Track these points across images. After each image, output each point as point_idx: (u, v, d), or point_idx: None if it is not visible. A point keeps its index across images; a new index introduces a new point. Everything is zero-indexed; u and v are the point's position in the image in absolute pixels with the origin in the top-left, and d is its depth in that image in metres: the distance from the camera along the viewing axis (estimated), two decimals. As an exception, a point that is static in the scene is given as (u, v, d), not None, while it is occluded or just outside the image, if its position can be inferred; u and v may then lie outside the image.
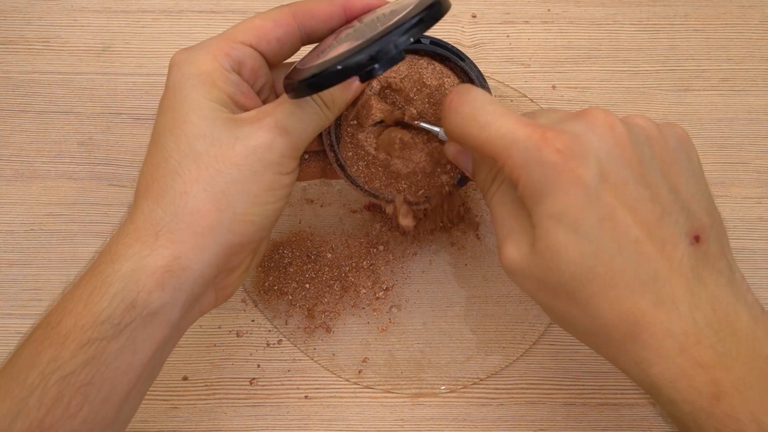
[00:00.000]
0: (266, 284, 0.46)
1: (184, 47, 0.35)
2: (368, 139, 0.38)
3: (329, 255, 0.47)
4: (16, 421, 0.29)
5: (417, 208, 0.40)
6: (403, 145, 0.38)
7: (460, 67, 0.38)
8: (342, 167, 0.39)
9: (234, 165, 0.32)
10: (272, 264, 0.47)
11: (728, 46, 0.53)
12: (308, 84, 0.30)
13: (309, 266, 0.47)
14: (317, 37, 0.36)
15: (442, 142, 0.37)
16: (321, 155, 0.40)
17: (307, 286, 0.46)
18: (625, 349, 0.29)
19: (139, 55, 0.52)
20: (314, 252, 0.47)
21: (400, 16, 0.30)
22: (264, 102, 0.36)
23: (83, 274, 0.32)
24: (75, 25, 0.53)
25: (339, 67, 0.29)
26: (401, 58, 0.30)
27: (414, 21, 0.29)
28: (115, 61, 0.52)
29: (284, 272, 0.47)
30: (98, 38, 0.53)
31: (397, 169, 0.39)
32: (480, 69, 0.39)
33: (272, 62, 0.36)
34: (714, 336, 0.27)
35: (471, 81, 0.38)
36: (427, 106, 0.38)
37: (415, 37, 0.30)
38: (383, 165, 0.39)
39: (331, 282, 0.46)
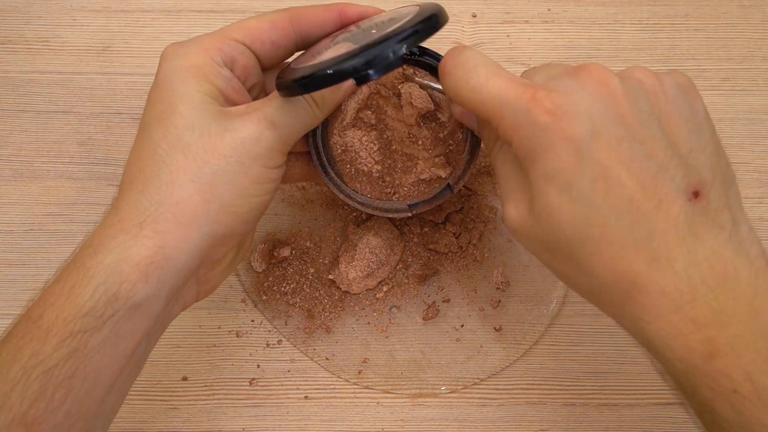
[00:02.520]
0: (266, 284, 0.46)
1: (176, 41, 0.35)
2: (355, 138, 0.38)
3: (329, 255, 0.47)
4: None
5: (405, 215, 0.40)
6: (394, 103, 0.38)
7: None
8: (324, 168, 0.39)
9: (222, 156, 0.32)
10: (272, 264, 0.47)
11: (729, 45, 0.53)
12: (301, 84, 0.30)
13: (309, 266, 0.47)
14: (312, 42, 0.36)
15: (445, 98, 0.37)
16: (307, 156, 0.40)
17: (307, 286, 0.46)
18: (623, 308, 0.28)
19: (138, 54, 0.52)
20: (314, 252, 0.47)
21: (399, 24, 0.30)
22: (254, 100, 0.36)
23: (64, 267, 0.31)
24: (74, 24, 0.53)
25: (333, 69, 0.29)
26: (398, 65, 0.30)
27: (411, 30, 0.29)
28: (115, 61, 0.52)
29: (284, 273, 0.47)
30: (98, 38, 0.53)
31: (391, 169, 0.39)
32: None
33: (265, 64, 0.36)
34: (710, 293, 0.27)
35: None
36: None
37: (413, 46, 0.30)
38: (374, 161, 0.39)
39: (331, 282, 0.46)
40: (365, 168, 0.39)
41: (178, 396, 0.45)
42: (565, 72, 0.30)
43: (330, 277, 0.46)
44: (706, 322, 0.26)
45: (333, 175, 0.39)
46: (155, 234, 0.31)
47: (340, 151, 0.39)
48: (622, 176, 0.27)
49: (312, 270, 0.47)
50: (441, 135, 0.40)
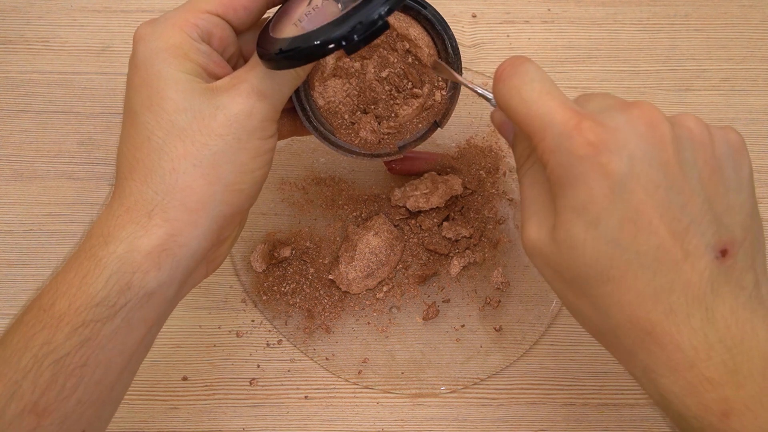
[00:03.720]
0: (266, 285, 0.46)
1: (146, 20, 0.34)
2: (336, 88, 0.39)
3: (329, 255, 0.47)
4: (10, 404, 0.28)
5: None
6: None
7: (423, 15, 0.38)
8: (310, 121, 0.38)
9: (218, 136, 0.32)
10: (272, 264, 0.47)
11: (729, 45, 0.53)
12: (287, 56, 0.30)
13: (309, 267, 0.47)
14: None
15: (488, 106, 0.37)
16: (291, 112, 0.39)
17: (307, 286, 0.46)
18: (635, 355, 0.28)
19: (138, 54, 0.52)
20: (314, 252, 0.47)
21: None
22: (234, 68, 0.35)
23: (73, 257, 0.31)
24: (74, 24, 0.53)
25: (320, 40, 0.29)
26: (386, 28, 0.29)
27: None
28: (115, 61, 0.52)
29: (284, 273, 0.47)
30: (98, 38, 0.53)
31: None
32: (446, 20, 0.38)
33: (240, 29, 0.35)
34: (726, 352, 0.27)
35: (433, 28, 0.38)
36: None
37: (398, 6, 0.29)
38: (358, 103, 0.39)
39: (331, 282, 0.46)
40: (349, 114, 0.39)
41: (178, 396, 0.45)
42: (617, 106, 0.29)
43: (330, 277, 0.46)
44: (721, 381, 0.26)
45: (318, 125, 0.39)
46: (165, 222, 0.31)
47: (323, 102, 0.39)
48: (654, 222, 0.27)
49: (312, 270, 0.47)
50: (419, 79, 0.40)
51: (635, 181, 0.27)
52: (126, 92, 0.33)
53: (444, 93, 0.39)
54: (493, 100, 0.35)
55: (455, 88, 0.39)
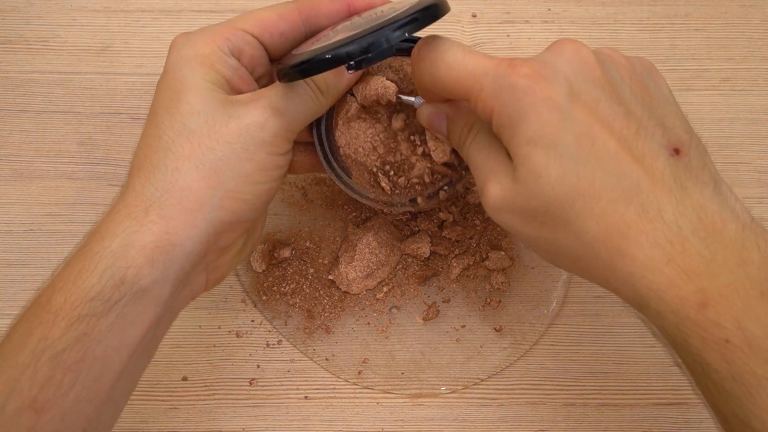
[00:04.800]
0: (266, 285, 0.46)
1: (185, 32, 0.35)
2: (360, 130, 0.38)
3: (329, 255, 0.47)
4: (8, 400, 0.29)
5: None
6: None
7: None
8: (327, 159, 0.39)
9: (226, 143, 0.32)
10: (272, 264, 0.47)
11: (729, 45, 0.53)
12: (298, 69, 0.31)
13: (309, 267, 0.47)
14: (320, 28, 0.36)
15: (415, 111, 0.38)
16: (313, 147, 0.39)
17: (307, 287, 0.46)
18: (614, 266, 0.28)
19: (138, 54, 0.52)
20: (314, 252, 0.47)
21: (397, 12, 0.31)
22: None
23: (73, 254, 0.31)
24: (74, 24, 0.53)
25: (329, 55, 0.30)
26: (391, 53, 0.30)
27: (409, 18, 0.30)
28: (115, 61, 0.52)
29: (284, 273, 0.46)
30: (97, 38, 0.52)
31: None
32: None
33: (274, 54, 0.36)
34: (700, 243, 0.27)
35: None
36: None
37: (409, 34, 0.30)
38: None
39: (331, 283, 0.46)
40: (368, 161, 0.39)
41: (178, 396, 0.45)
42: (544, 50, 0.31)
43: (330, 277, 0.46)
44: (698, 271, 0.27)
45: (336, 166, 0.39)
46: (161, 219, 0.31)
47: (344, 142, 0.39)
48: (605, 132, 0.28)
49: (312, 270, 0.47)
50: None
51: (577, 98, 0.28)
52: (153, 95, 0.34)
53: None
54: (416, 101, 0.36)
55: None
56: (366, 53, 0.30)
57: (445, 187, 0.39)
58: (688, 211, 0.27)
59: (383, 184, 0.39)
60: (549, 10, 0.53)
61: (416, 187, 0.39)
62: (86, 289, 0.30)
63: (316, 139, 0.38)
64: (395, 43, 0.30)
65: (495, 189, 0.31)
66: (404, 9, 0.31)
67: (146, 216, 0.31)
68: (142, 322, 0.31)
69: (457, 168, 0.39)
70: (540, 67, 0.29)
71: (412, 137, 0.38)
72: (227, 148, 0.32)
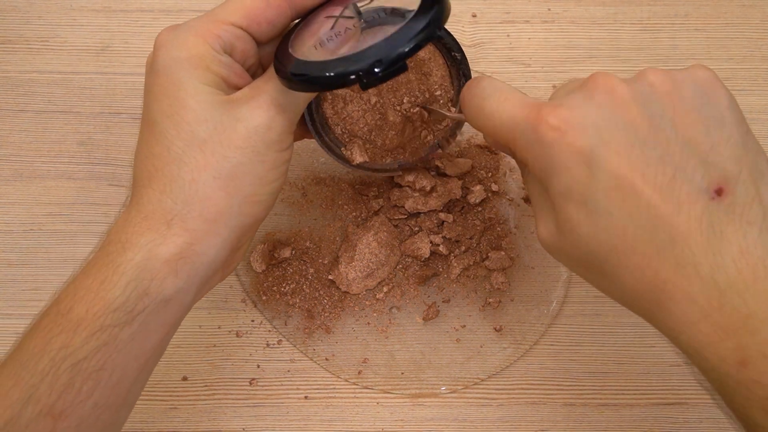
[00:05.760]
0: (266, 285, 0.46)
1: (169, 26, 0.34)
2: (347, 100, 0.39)
3: (329, 255, 0.47)
4: (27, 406, 0.29)
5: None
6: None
7: (442, 43, 0.39)
8: (317, 131, 0.39)
9: (238, 148, 0.32)
10: (272, 264, 0.47)
11: (729, 45, 0.53)
12: (302, 81, 0.30)
13: (308, 267, 0.47)
14: (307, 11, 0.35)
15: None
16: (302, 116, 0.40)
17: (307, 286, 0.46)
18: (655, 317, 0.28)
19: (138, 54, 0.52)
20: (314, 252, 0.47)
21: (401, 25, 0.29)
22: (253, 77, 0.35)
23: (91, 263, 0.31)
24: (74, 24, 0.53)
25: (335, 73, 0.29)
26: (405, 70, 0.29)
27: (415, 43, 0.29)
28: (115, 61, 0.52)
29: (284, 273, 0.46)
30: (97, 38, 0.52)
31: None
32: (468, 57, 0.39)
33: (261, 41, 0.35)
34: (738, 297, 0.26)
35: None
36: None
37: (419, 48, 0.29)
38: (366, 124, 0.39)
39: (331, 283, 0.46)
40: (356, 129, 0.39)
41: (178, 396, 0.45)
42: (574, 86, 0.29)
43: (330, 277, 0.46)
44: (735, 329, 0.26)
45: (325, 137, 0.39)
46: (184, 232, 0.31)
47: (332, 113, 0.39)
48: (637, 182, 0.27)
49: (312, 270, 0.47)
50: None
51: (606, 148, 0.27)
52: (145, 98, 0.33)
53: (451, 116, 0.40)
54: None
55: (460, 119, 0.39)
56: (376, 69, 0.28)
57: (432, 149, 0.40)
58: (726, 262, 0.26)
59: (372, 151, 0.39)
60: (549, 10, 0.53)
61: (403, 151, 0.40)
62: (110, 301, 0.30)
63: (306, 112, 0.38)
64: (410, 57, 0.29)
65: (544, 232, 0.31)
66: (407, 20, 0.30)
67: (169, 229, 0.31)
68: (163, 329, 0.31)
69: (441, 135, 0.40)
70: (568, 116, 0.27)
71: (398, 107, 0.39)
72: (239, 153, 0.32)
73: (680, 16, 0.53)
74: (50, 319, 0.30)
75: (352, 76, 0.29)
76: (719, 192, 0.27)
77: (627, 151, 0.27)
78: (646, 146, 0.27)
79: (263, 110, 0.32)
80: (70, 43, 0.52)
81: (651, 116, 0.27)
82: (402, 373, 0.45)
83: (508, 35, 0.53)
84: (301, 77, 0.30)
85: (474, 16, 0.53)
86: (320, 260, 0.47)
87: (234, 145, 0.32)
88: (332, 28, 0.33)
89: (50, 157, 0.50)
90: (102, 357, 0.29)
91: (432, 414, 0.45)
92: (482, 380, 0.45)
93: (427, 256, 0.46)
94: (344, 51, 0.31)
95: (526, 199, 0.48)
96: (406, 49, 0.28)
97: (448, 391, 0.45)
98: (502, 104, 0.30)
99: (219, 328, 0.46)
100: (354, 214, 0.48)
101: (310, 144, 0.50)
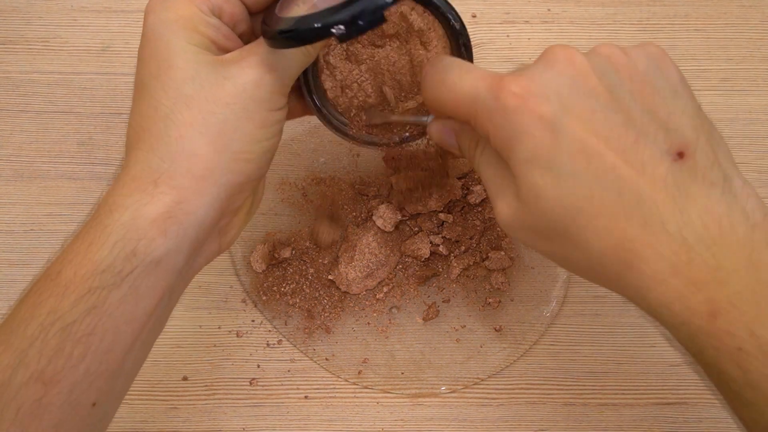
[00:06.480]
0: (266, 285, 0.46)
1: None
2: (345, 71, 0.38)
3: (329, 255, 0.47)
4: (17, 372, 0.28)
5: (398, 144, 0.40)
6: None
7: (440, 11, 0.38)
8: (315, 104, 0.38)
9: (226, 105, 0.32)
10: (272, 264, 0.47)
11: (728, 45, 0.53)
12: (286, 37, 0.30)
13: (309, 267, 0.47)
14: None
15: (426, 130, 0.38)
16: (301, 92, 0.39)
17: (307, 287, 0.46)
18: (623, 279, 0.28)
19: (138, 55, 0.52)
20: (314, 252, 0.47)
21: None
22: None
23: (82, 227, 0.31)
24: (75, 25, 0.53)
25: (319, 24, 0.29)
26: (384, 20, 0.29)
27: None
28: (115, 61, 0.52)
29: (284, 273, 0.47)
30: (98, 38, 0.53)
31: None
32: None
33: (253, 8, 0.35)
34: (706, 251, 0.26)
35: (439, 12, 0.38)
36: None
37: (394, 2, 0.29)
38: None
39: (331, 283, 0.46)
40: (356, 102, 0.39)
41: (178, 396, 0.45)
42: (535, 61, 0.30)
43: (330, 277, 0.46)
44: (705, 281, 0.26)
45: (324, 110, 0.39)
46: (171, 190, 0.31)
47: (330, 85, 0.39)
48: (601, 145, 0.27)
49: (312, 270, 0.47)
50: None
51: (570, 114, 0.27)
52: (137, 65, 0.33)
53: None
54: (427, 119, 0.36)
55: None
56: (359, 19, 0.28)
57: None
58: (693, 219, 0.27)
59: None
60: (549, 10, 0.53)
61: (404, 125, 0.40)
62: (97, 262, 0.29)
63: (303, 86, 0.38)
64: (391, 6, 0.29)
65: (503, 207, 0.30)
66: None
67: (156, 187, 0.30)
68: (155, 293, 0.31)
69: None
70: (529, 84, 0.28)
71: (399, 83, 0.39)
72: (227, 109, 0.32)
73: (680, 16, 0.53)
74: (40, 284, 0.30)
75: (329, 28, 0.29)
76: (681, 155, 0.28)
77: (590, 116, 0.27)
78: (608, 111, 0.28)
79: (252, 69, 0.32)
80: (70, 44, 0.52)
81: (609, 84, 0.28)
82: (402, 373, 0.45)
83: (507, 35, 0.53)
84: (282, 34, 0.30)
85: (474, 16, 0.53)
86: (320, 260, 0.47)
87: (222, 102, 0.31)
88: None
89: (51, 157, 0.50)
90: (92, 321, 0.29)
91: (432, 414, 0.45)
92: (482, 380, 0.45)
93: (427, 257, 0.46)
94: (328, 5, 0.30)
95: None
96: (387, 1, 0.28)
97: (448, 391, 0.45)
98: (464, 76, 0.30)
99: (219, 328, 0.46)
100: (354, 214, 0.48)
101: (311, 144, 0.50)
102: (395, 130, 0.40)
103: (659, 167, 0.27)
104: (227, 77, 0.32)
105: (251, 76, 0.32)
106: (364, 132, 0.39)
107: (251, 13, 0.35)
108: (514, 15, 0.53)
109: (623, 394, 0.45)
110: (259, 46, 0.33)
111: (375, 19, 0.29)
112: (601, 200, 0.27)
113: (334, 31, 0.29)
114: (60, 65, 0.52)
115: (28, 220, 0.49)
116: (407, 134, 0.39)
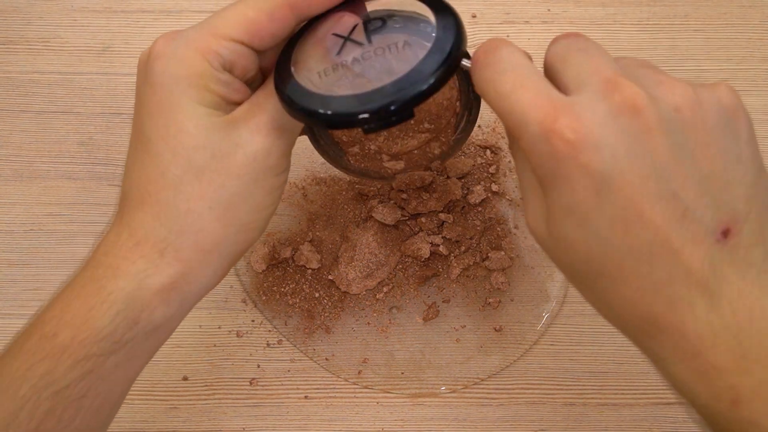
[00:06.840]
0: (266, 285, 0.46)
1: (165, 33, 0.33)
2: None
3: (329, 256, 0.47)
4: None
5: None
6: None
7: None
8: (313, 134, 0.38)
9: (236, 176, 0.31)
10: (272, 264, 0.47)
11: (728, 46, 0.53)
12: (303, 113, 0.29)
13: (308, 267, 0.47)
14: (310, 18, 0.33)
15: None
16: None
17: (307, 286, 0.46)
18: (645, 344, 0.28)
19: (138, 55, 0.52)
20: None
21: (414, 66, 0.28)
22: (252, 87, 0.34)
23: (78, 283, 0.31)
24: (75, 25, 0.53)
25: (340, 113, 0.28)
26: (411, 117, 0.28)
27: (427, 86, 0.27)
28: (115, 61, 0.52)
29: (284, 273, 0.47)
30: (98, 38, 0.53)
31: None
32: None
33: (261, 51, 0.34)
34: (732, 339, 0.25)
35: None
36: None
37: (426, 98, 0.28)
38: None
39: (331, 283, 0.46)
40: (356, 137, 0.39)
41: (178, 396, 0.45)
42: (601, 89, 0.27)
43: (330, 277, 0.46)
44: (728, 368, 0.25)
45: (321, 141, 0.39)
46: (177, 262, 0.30)
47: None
48: (645, 216, 0.25)
49: (312, 270, 0.47)
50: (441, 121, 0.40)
51: (620, 177, 0.25)
52: (138, 109, 0.32)
53: (452, 134, 0.39)
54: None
55: (465, 131, 0.38)
56: (381, 116, 0.27)
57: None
58: (723, 304, 0.26)
59: (372, 156, 0.39)
60: (549, 10, 0.53)
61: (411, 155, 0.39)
62: (97, 330, 0.29)
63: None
64: (418, 105, 0.27)
65: (533, 223, 0.29)
66: (419, 60, 0.28)
67: (162, 258, 0.30)
68: (149, 354, 0.31)
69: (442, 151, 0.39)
70: (586, 133, 0.25)
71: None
72: (237, 181, 0.31)
73: (679, 16, 0.53)
74: (34, 342, 0.30)
75: (358, 119, 0.27)
76: (726, 233, 0.26)
77: (642, 182, 0.25)
78: (662, 179, 0.26)
79: (263, 135, 0.31)
80: (71, 44, 0.52)
81: (672, 145, 0.26)
82: (402, 373, 0.45)
83: (508, 35, 0.53)
84: (298, 108, 0.29)
85: (474, 16, 0.53)
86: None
87: (232, 174, 0.31)
88: (339, 53, 0.31)
89: (51, 157, 0.50)
90: (85, 385, 0.29)
91: (432, 414, 0.45)
92: (482, 380, 0.45)
93: (427, 257, 0.46)
94: (348, 85, 0.29)
95: None
96: (420, 90, 0.27)
97: (448, 391, 0.45)
98: (517, 90, 0.27)
99: (219, 328, 0.46)
100: (354, 214, 0.48)
101: (311, 144, 0.50)
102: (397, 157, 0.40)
103: (700, 248, 0.26)
104: (238, 144, 0.31)
105: (262, 144, 0.31)
106: (360, 165, 0.40)
107: (260, 54, 0.33)
108: (514, 15, 0.53)
109: (623, 394, 0.45)
110: (267, 99, 0.32)
111: (406, 116, 0.28)
112: (630, 271, 0.26)
113: (362, 124, 0.27)
114: (60, 65, 0.52)
115: (28, 220, 0.49)
116: (402, 166, 0.39)
